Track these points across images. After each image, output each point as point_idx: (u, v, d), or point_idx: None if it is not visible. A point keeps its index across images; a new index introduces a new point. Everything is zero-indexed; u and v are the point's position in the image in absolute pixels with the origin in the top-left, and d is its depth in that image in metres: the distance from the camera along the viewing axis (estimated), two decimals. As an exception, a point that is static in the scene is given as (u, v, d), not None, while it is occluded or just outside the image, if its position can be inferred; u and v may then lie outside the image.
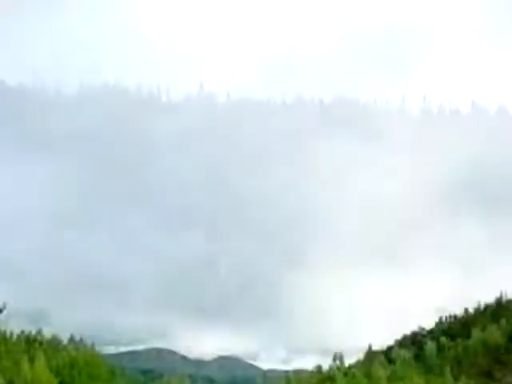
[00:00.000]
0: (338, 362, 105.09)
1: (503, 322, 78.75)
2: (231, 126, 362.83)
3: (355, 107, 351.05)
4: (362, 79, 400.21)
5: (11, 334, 41.25)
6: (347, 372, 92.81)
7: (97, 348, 53.80)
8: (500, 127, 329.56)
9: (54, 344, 49.57)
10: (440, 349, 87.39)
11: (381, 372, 72.58)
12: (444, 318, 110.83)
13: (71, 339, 53.70)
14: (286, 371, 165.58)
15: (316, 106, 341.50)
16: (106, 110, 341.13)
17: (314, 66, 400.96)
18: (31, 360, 23.15)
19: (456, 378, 51.10)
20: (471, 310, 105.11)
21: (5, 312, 29.05)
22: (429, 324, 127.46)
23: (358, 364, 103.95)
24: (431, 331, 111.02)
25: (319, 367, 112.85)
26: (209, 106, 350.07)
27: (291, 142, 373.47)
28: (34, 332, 47.99)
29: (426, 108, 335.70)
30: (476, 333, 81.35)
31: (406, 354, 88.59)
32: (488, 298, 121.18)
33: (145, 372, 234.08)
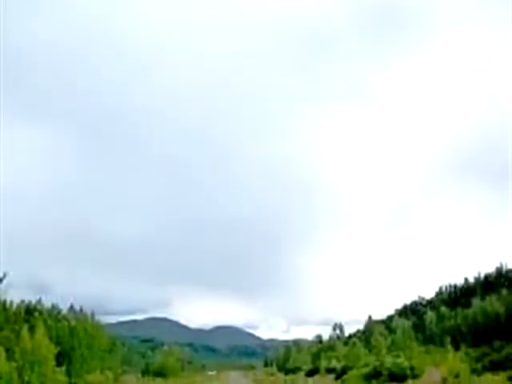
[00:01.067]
0: (337, 331, 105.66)
1: (503, 291, 78.59)
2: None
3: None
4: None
5: (11, 303, 40.81)
6: (347, 341, 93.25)
7: (97, 318, 53.52)
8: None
9: (54, 314, 49.19)
10: (440, 318, 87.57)
11: (381, 341, 72.61)
12: (444, 288, 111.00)
13: (71, 309, 53.33)
14: (286, 341, 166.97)
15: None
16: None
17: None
18: (31, 329, 22.77)
19: (456, 348, 50.85)
20: (471, 280, 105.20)
21: (4, 281, 28.62)
22: (428, 293, 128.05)
23: (358, 333, 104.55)
24: (431, 301, 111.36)
25: (319, 337, 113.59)
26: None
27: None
28: (33, 302, 47.60)
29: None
30: (476, 302, 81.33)
31: (406, 323, 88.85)
32: (488, 267, 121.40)
33: (145, 341, 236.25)
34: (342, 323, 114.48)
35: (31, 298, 60.28)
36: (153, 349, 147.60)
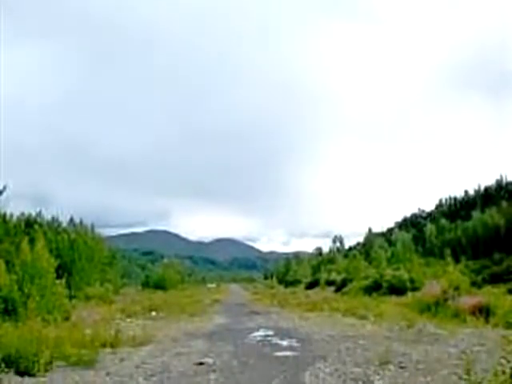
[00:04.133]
0: (337, 244, 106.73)
1: (503, 203, 78.59)
2: None
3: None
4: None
5: (11, 215, 40.41)
6: (347, 254, 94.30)
7: (97, 230, 53.41)
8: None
9: (54, 226, 48.98)
10: (440, 231, 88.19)
11: (380, 254, 73.26)
12: (444, 200, 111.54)
13: (71, 221, 53.09)
14: (286, 253, 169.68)
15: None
16: None
17: None
18: (31, 242, 22.38)
19: (456, 260, 51.04)
20: (471, 192, 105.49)
21: (5, 194, 28.02)
22: (428, 206, 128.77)
23: (358, 246, 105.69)
24: (431, 213, 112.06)
25: (319, 249, 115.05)
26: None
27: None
28: (33, 214, 47.28)
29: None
30: (476, 215, 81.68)
31: (406, 235, 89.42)
32: (488, 179, 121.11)
33: (145, 254, 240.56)
34: (342, 236, 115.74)
35: (31, 210, 60.08)
36: (153, 261, 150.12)
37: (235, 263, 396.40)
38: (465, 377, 5.10)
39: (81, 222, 52.73)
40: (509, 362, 5.07)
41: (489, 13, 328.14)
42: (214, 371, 10.49)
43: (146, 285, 72.18)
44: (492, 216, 75.05)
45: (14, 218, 41.79)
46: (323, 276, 68.39)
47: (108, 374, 10.36)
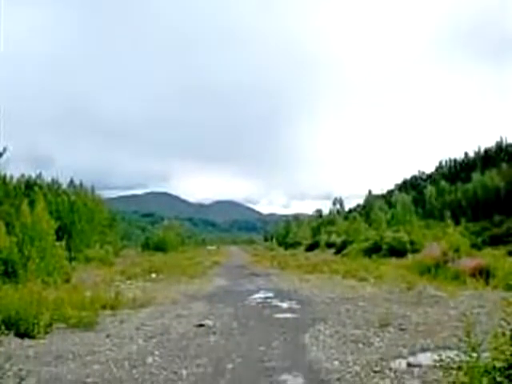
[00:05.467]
0: (338, 206, 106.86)
1: (503, 165, 78.37)
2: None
3: None
4: None
5: (11, 177, 40.34)
6: (347, 216, 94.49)
7: (97, 192, 53.37)
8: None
9: (54, 188, 48.90)
10: (440, 193, 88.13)
11: (381, 216, 73.40)
12: (444, 162, 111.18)
13: (71, 183, 53.00)
14: (286, 215, 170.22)
15: None
16: None
17: None
18: (31, 204, 22.35)
19: (456, 222, 51.13)
20: (471, 154, 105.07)
21: (4, 156, 27.87)
22: (429, 168, 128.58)
23: (358, 208, 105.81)
24: (431, 175, 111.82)
25: (319, 211, 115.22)
26: None
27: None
28: (33, 176, 47.20)
29: None
30: (476, 177, 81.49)
31: (406, 197, 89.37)
32: (488, 141, 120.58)
33: (145, 216, 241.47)
34: (342, 198, 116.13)
35: (31, 172, 59.98)
36: (153, 223, 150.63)
37: (235, 225, 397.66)
38: (465, 339, 5.03)
39: (81, 184, 52.69)
40: (509, 323, 5.00)
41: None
42: (214, 333, 10.50)
43: (145, 247, 72.45)
44: (492, 178, 74.90)
45: (14, 180, 41.76)
46: (323, 238, 68.59)
47: (108, 335, 10.37)
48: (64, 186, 51.53)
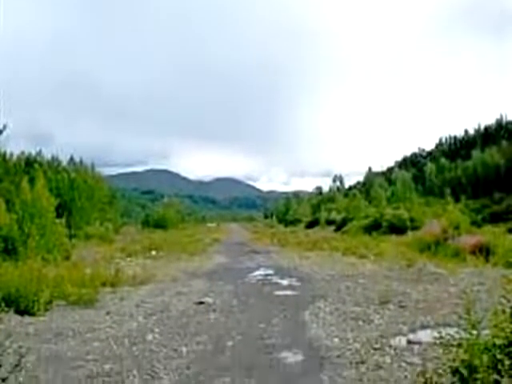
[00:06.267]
0: (337, 183, 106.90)
1: (503, 143, 78.25)
2: None
3: None
4: None
5: (11, 154, 40.29)
6: (347, 193, 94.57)
7: (97, 169, 53.30)
8: None
9: (54, 165, 48.84)
10: (440, 170, 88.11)
11: (381, 193, 73.47)
12: (444, 139, 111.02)
13: (71, 160, 52.90)
14: (286, 192, 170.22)
15: None
16: None
17: None
18: (31, 181, 22.36)
19: (456, 200, 51.19)
20: (471, 131, 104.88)
21: (4, 133, 27.75)
22: (428, 145, 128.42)
23: (358, 185, 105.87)
24: (431, 152, 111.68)
25: (319, 188, 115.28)
26: None
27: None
28: (33, 153, 47.13)
29: None
30: (476, 154, 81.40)
31: (406, 175, 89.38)
32: (488, 118, 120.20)
33: (145, 193, 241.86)
34: (342, 175, 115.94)
35: (31, 149, 59.88)
36: (153, 200, 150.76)
37: (235, 202, 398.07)
38: (465, 316, 5.01)
39: (81, 161, 52.62)
40: (509, 301, 4.98)
41: None
42: (213, 310, 10.51)
43: (146, 224, 72.49)
44: (492, 155, 74.86)
45: (14, 157, 41.71)
46: (323, 215, 68.64)
47: (108, 313, 10.37)
48: (64, 163, 51.50)
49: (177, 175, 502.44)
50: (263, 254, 26.20)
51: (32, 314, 9.92)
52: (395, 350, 7.02)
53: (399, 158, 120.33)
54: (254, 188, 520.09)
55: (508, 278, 5.53)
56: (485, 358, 4.65)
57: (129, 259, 22.94)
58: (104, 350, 7.45)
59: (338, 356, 6.85)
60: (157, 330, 8.78)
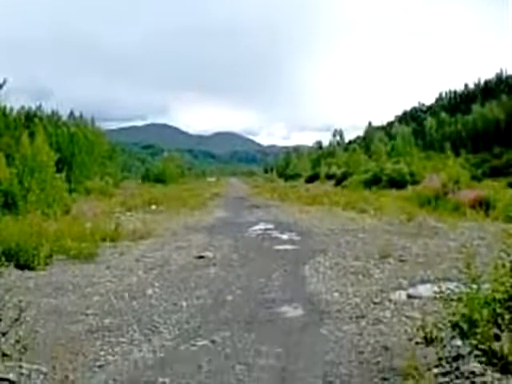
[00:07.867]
0: (337, 137, 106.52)
1: (503, 97, 77.70)
2: None
3: None
4: None
5: (11, 109, 39.88)
6: (347, 147, 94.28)
7: (97, 124, 52.90)
8: None
9: (54, 120, 48.39)
10: (440, 124, 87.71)
11: (380, 147, 73.23)
12: (444, 94, 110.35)
13: (71, 115, 52.47)
14: (286, 147, 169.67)
15: None
16: None
17: None
18: (31, 136, 22.19)
19: (456, 154, 51.06)
20: (471, 86, 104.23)
21: (4, 88, 27.45)
22: (428, 99, 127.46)
23: (358, 140, 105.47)
24: (431, 107, 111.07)
25: (319, 143, 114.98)
26: None
27: None
28: (33, 108, 46.69)
29: None
30: (476, 108, 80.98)
31: (406, 129, 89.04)
32: (488, 73, 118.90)
33: (145, 147, 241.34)
34: (342, 129, 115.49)
35: (31, 104, 59.34)
36: (153, 155, 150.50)
37: (235, 157, 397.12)
38: (465, 270, 4.98)
39: (81, 116, 52.21)
40: (509, 255, 4.94)
41: None
42: (213, 265, 10.53)
43: (145, 178, 72.43)
44: (492, 110, 74.51)
45: (14, 111, 41.29)
46: (323, 170, 68.56)
47: (108, 267, 10.40)
48: (64, 117, 51.07)
49: (176, 130, 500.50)
50: (263, 209, 26.21)
51: (32, 269, 9.93)
52: (395, 304, 7.03)
53: (399, 113, 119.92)
54: (253, 142, 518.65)
55: (508, 232, 5.50)
56: (485, 312, 4.63)
57: (129, 213, 22.96)
58: (104, 305, 7.47)
59: (338, 310, 6.86)
60: (157, 284, 8.80)
